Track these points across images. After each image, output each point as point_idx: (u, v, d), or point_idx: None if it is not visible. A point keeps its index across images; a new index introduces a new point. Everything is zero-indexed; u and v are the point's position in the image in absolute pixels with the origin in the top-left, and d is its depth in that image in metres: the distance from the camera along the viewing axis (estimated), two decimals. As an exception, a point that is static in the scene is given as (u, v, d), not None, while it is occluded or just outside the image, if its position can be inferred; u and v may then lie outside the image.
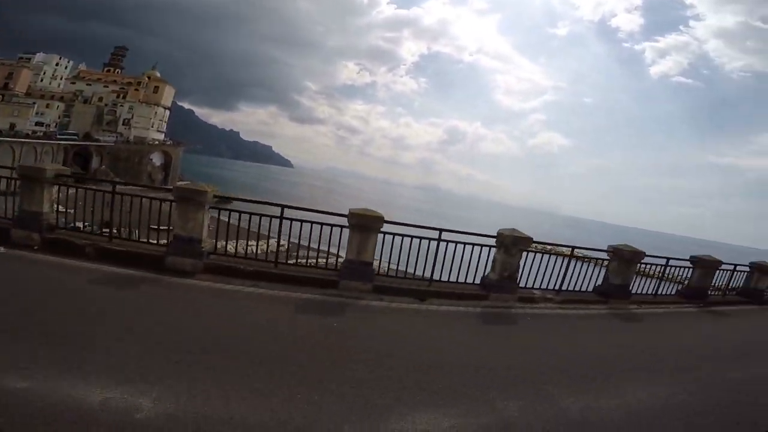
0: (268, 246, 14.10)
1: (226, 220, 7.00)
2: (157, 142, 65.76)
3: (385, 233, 6.75)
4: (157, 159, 63.16)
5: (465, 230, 7.63)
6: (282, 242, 7.12)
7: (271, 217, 6.69)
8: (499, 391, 3.94)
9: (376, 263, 6.95)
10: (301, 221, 6.79)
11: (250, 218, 6.66)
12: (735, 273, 11.27)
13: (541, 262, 7.85)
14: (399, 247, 7.06)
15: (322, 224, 6.77)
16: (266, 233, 8.24)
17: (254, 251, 12.52)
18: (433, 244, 7.13)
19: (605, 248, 8.66)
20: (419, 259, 7.11)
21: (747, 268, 11.46)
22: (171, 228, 6.52)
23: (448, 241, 7.18)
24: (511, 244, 7.26)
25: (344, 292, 6.36)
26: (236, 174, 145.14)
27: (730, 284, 11.37)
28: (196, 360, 3.66)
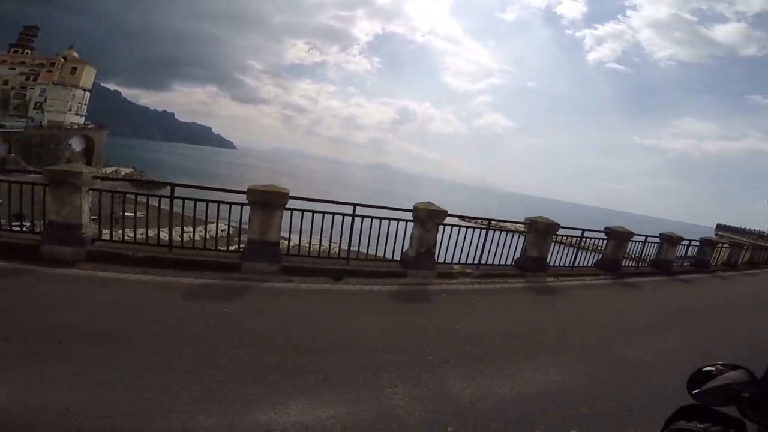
0: (200, 231, 13.11)
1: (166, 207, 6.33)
2: (76, 126, 59.85)
3: (293, 210, 6.28)
4: (76, 144, 57.55)
5: (383, 205, 7.34)
6: (222, 227, 6.47)
7: (207, 201, 6.19)
8: (391, 375, 3.66)
9: (293, 242, 6.51)
10: (241, 204, 6.21)
11: (175, 203, 5.92)
12: (646, 244, 11.95)
13: (465, 236, 7.78)
14: (320, 225, 6.65)
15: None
16: (207, 219, 7.57)
17: (155, 237, 11.55)
18: (356, 221, 6.80)
19: (523, 221, 8.76)
20: (338, 236, 6.75)
21: (658, 240, 12.17)
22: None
23: (363, 216, 6.85)
24: (427, 218, 7.06)
25: (248, 276, 5.87)
26: (170, 157, 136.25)
27: (643, 255, 12.06)
28: (50, 352, 3.24)
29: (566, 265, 9.60)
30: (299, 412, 2.95)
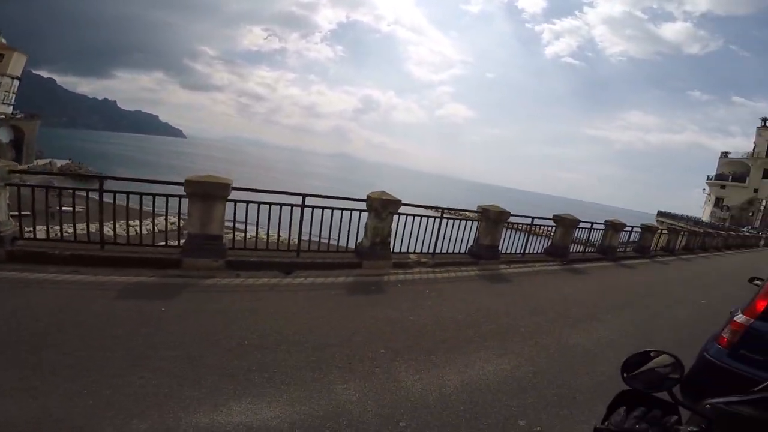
0: (147, 225, 12.27)
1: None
2: (3, 116, 54.77)
3: (236, 201, 5.95)
4: (4, 135, 52.77)
5: (341, 195, 7.14)
6: (172, 220, 5.97)
7: (141, 194, 5.72)
8: (342, 371, 3.53)
9: (240, 235, 6.17)
10: (179, 196, 5.77)
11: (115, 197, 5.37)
12: (592, 231, 12.47)
13: (421, 225, 7.75)
14: (269, 217, 6.34)
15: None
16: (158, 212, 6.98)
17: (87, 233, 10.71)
18: (306, 212, 6.54)
19: (475, 209, 8.83)
20: (290, 228, 6.47)
21: (603, 226, 12.72)
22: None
23: (314, 207, 6.60)
24: (381, 208, 6.93)
25: (189, 272, 5.51)
26: (113, 147, 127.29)
27: (589, 241, 12.59)
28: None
29: (518, 252, 9.81)
30: (243, 413, 2.77)
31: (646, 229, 15.27)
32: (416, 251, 7.84)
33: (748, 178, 53.56)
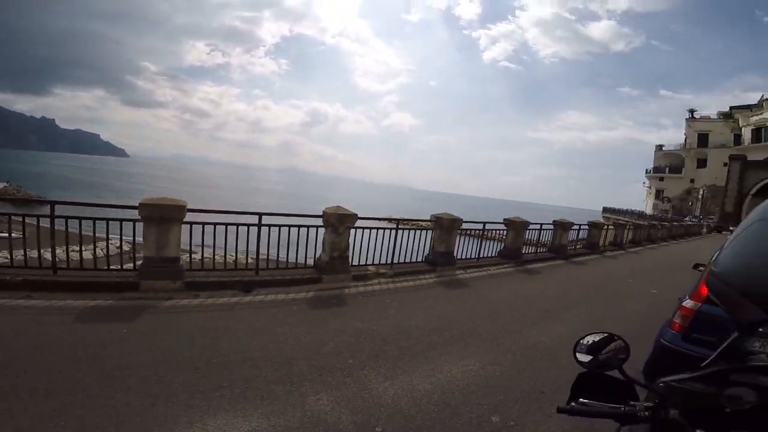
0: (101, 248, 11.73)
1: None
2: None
3: (192, 223, 5.95)
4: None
5: (293, 212, 7.25)
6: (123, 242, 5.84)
7: (94, 219, 5.66)
8: (313, 383, 3.63)
9: (197, 256, 6.15)
10: (134, 221, 5.73)
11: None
12: (542, 231, 13.13)
13: (377, 237, 7.95)
14: (226, 237, 6.36)
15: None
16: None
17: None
18: (263, 229, 6.61)
19: (428, 217, 9.17)
20: (247, 247, 6.52)
21: (552, 227, 13.41)
22: None
23: (271, 225, 6.69)
24: (338, 223, 7.10)
25: (147, 294, 5.46)
26: (53, 168, 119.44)
27: (541, 241, 13.23)
28: None
29: (473, 257, 10.21)
30: (219, 428, 2.84)
31: (593, 226, 16.08)
32: (375, 263, 8.04)
33: (683, 168, 56.77)
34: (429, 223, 9.37)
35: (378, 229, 8.01)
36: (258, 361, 3.93)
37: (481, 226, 10.49)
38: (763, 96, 45.98)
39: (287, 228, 6.90)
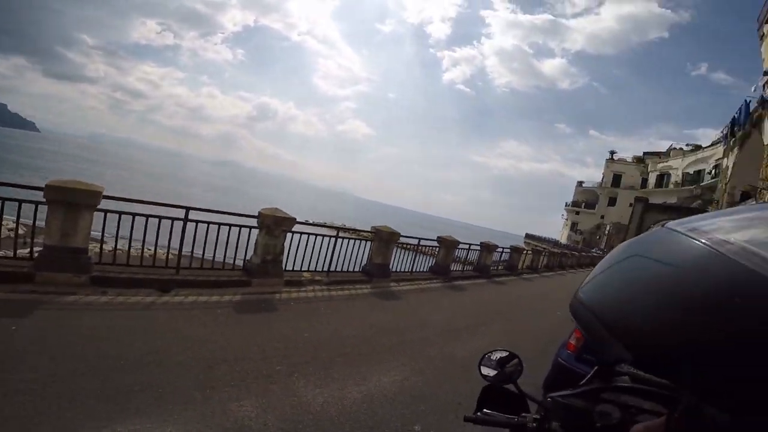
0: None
1: None
2: None
3: (106, 211, 5.35)
4: None
5: (225, 209, 6.83)
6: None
7: None
8: (237, 388, 3.39)
9: (109, 248, 5.51)
10: (36, 203, 4.96)
11: None
12: (470, 251, 13.72)
13: (315, 243, 7.73)
14: (146, 229, 5.78)
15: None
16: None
17: None
18: (190, 226, 6.10)
19: (367, 227, 9.15)
20: (171, 242, 6.00)
21: (478, 247, 14.08)
22: None
23: (198, 222, 6.22)
24: (274, 225, 6.78)
25: (45, 288, 4.75)
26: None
27: (467, 260, 13.82)
28: None
29: (407, 270, 10.33)
30: None
31: (514, 250, 17.33)
32: (310, 269, 7.80)
33: (597, 205, 62.50)
34: (369, 234, 9.32)
35: (317, 235, 7.78)
36: (174, 365, 3.58)
37: (416, 241, 10.68)
38: (671, 145, 52.27)
39: (217, 226, 6.46)
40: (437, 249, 11.66)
